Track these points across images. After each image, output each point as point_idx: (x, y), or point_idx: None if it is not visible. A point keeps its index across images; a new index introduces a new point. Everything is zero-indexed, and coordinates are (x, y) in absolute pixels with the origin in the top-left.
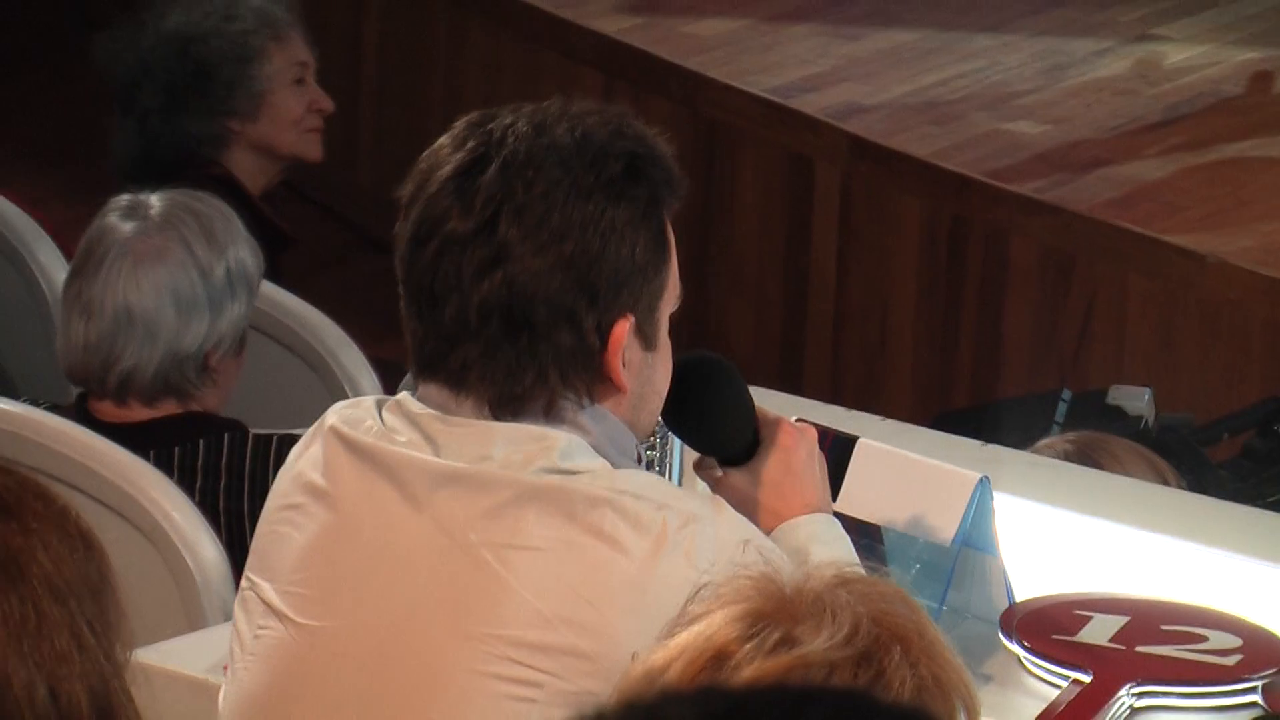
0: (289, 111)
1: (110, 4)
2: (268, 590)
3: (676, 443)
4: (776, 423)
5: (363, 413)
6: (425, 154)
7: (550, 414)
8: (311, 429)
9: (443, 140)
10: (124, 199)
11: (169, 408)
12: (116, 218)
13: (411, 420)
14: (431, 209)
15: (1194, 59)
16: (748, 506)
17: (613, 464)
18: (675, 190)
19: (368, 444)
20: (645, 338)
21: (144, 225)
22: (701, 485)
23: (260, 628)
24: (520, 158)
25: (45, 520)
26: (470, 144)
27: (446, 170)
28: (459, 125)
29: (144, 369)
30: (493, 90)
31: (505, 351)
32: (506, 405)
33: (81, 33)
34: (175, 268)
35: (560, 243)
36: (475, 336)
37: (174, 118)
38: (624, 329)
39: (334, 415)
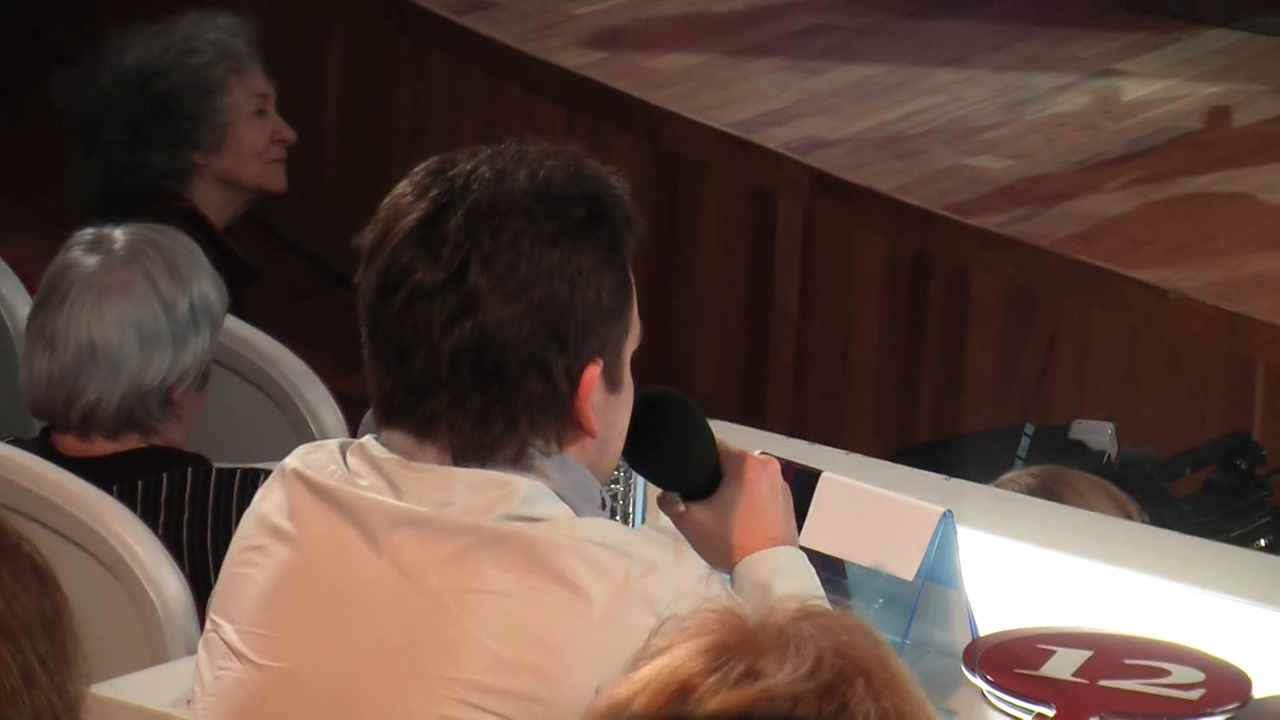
0: (252, 143)
1: (73, 37)
2: (229, 631)
3: (639, 480)
4: (739, 456)
5: (325, 456)
6: (386, 201)
7: (518, 462)
8: (274, 473)
9: (403, 187)
10: (88, 233)
11: (132, 441)
12: (80, 251)
13: (374, 464)
14: (397, 259)
15: (1156, 94)
16: (711, 540)
17: (576, 510)
18: (634, 230)
19: (330, 487)
20: (611, 380)
21: (108, 259)
22: (665, 520)
23: (220, 668)
24: (485, 206)
25: None
26: (433, 192)
27: (411, 220)
28: (419, 172)
29: (107, 403)
30: (455, 125)
31: (475, 401)
32: (473, 453)
33: (42, 66)
34: (138, 302)
35: (529, 290)
36: (445, 387)
37: (137, 152)
38: (594, 374)
39: (295, 459)
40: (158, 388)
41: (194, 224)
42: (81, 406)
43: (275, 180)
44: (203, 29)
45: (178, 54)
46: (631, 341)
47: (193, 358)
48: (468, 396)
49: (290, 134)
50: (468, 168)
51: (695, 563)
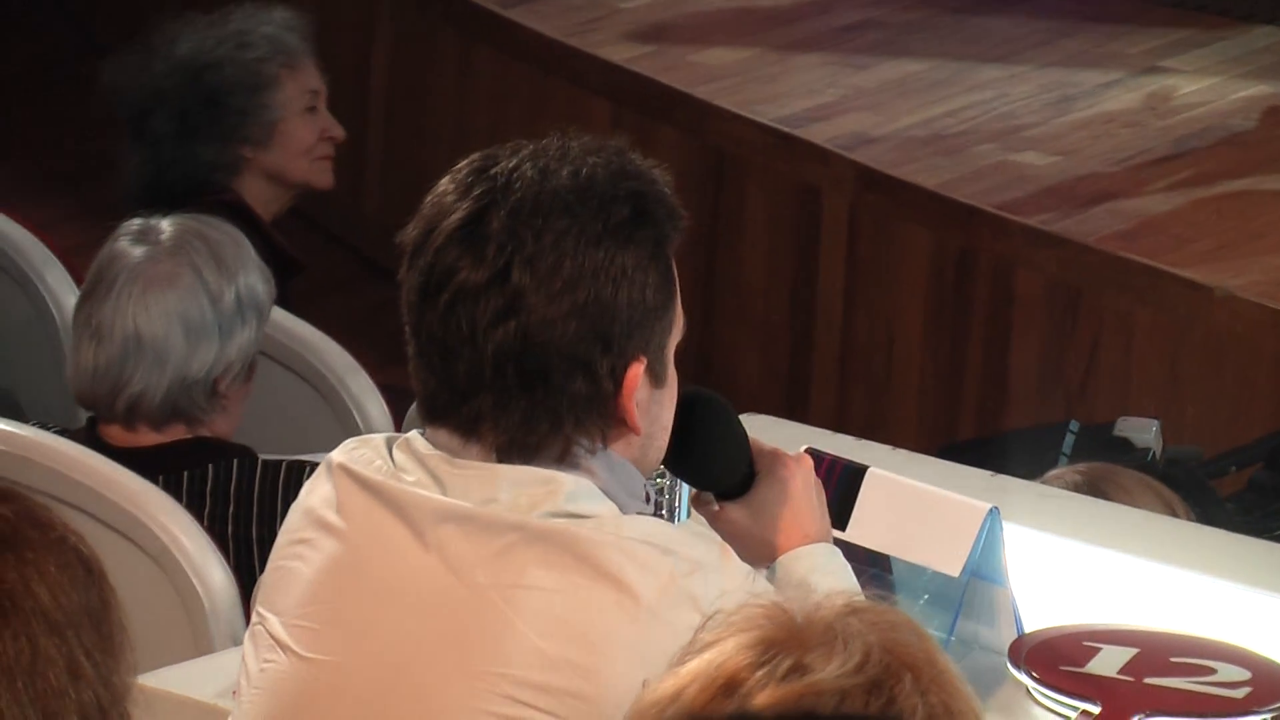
0: (301, 140)
1: (117, 28)
2: (274, 624)
3: None
4: (773, 454)
5: (371, 452)
6: (429, 199)
7: (563, 460)
8: (320, 467)
9: (446, 185)
10: (135, 223)
11: (178, 432)
12: (128, 242)
13: (420, 460)
14: (441, 259)
15: (1202, 92)
16: (746, 539)
17: (621, 506)
18: (678, 225)
19: (377, 481)
20: (655, 376)
21: (154, 250)
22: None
23: (266, 660)
24: (528, 206)
25: (42, 549)
26: (476, 191)
27: (454, 220)
28: (462, 169)
29: (152, 394)
30: (500, 119)
31: (519, 402)
32: (518, 452)
33: (88, 57)
34: (185, 293)
35: (573, 291)
36: (489, 388)
37: (186, 144)
38: (638, 372)
39: (341, 454)
40: (203, 379)
41: (240, 216)
42: (127, 397)
43: (322, 177)
44: (258, 22)
45: (231, 47)
46: (675, 336)
47: (238, 350)
48: (512, 397)
49: (340, 132)
50: (511, 165)
51: (739, 564)
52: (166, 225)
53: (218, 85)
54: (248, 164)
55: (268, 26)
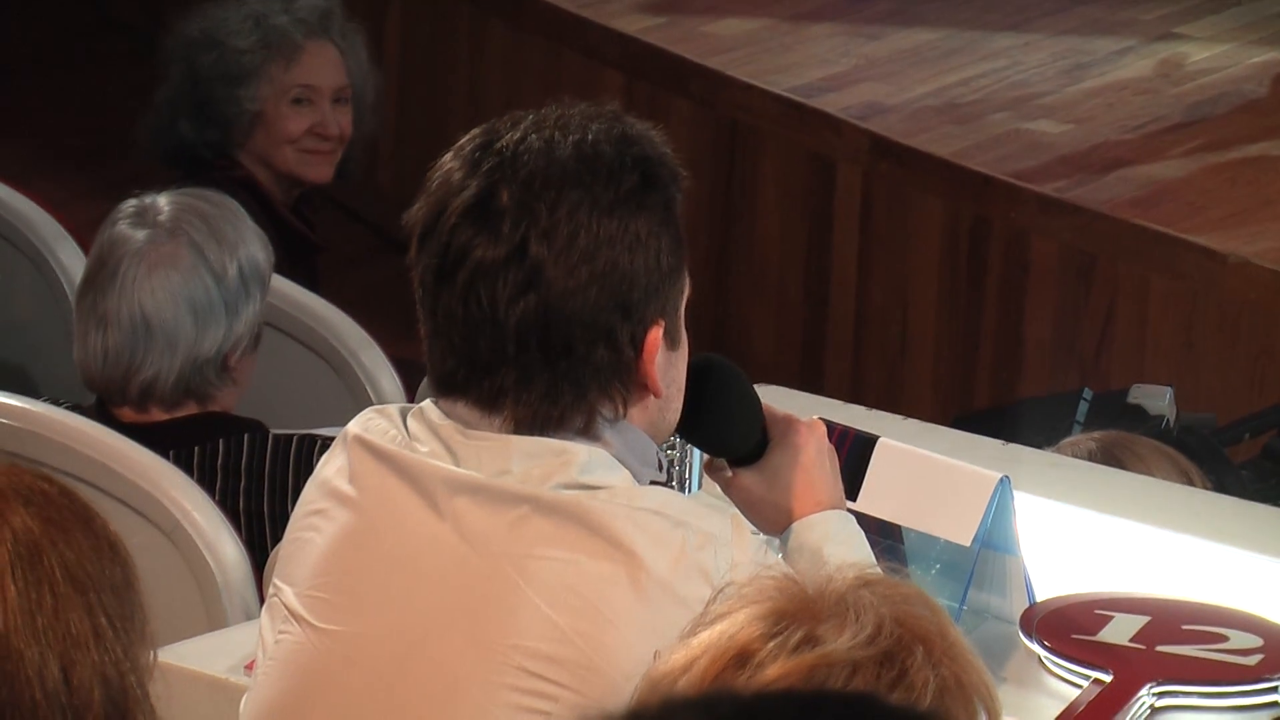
0: (283, 131)
1: (133, 6)
2: (289, 595)
3: None
4: (786, 420)
5: (386, 422)
6: (435, 176)
7: (587, 431)
8: (337, 439)
9: (451, 163)
10: (131, 204)
11: (189, 409)
12: (126, 225)
13: (433, 430)
14: (456, 238)
15: (1216, 58)
16: (760, 506)
17: (634, 474)
18: (680, 186)
19: (391, 451)
20: (671, 339)
21: (155, 233)
22: (714, 488)
23: (281, 632)
24: (539, 179)
25: (71, 518)
26: (485, 167)
27: (466, 197)
28: (465, 146)
29: (165, 377)
30: (514, 91)
31: (543, 375)
32: (541, 425)
33: (104, 34)
34: (189, 274)
35: (591, 261)
36: (512, 362)
37: (173, 118)
38: (657, 336)
39: (357, 425)
40: (214, 357)
41: (251, 193)
42: (140, 382)
43: (310, 170)
44: (280, 7)
45: (228, 32)
46: (685, 295)
47: (245, 323)
48: (535, 371)
49: (334, 129)
50: (516, 137)
51: (750, 537)
52: (164, 203)
53: (201, 70)
54: (237, 146)
55: (282, 17)
